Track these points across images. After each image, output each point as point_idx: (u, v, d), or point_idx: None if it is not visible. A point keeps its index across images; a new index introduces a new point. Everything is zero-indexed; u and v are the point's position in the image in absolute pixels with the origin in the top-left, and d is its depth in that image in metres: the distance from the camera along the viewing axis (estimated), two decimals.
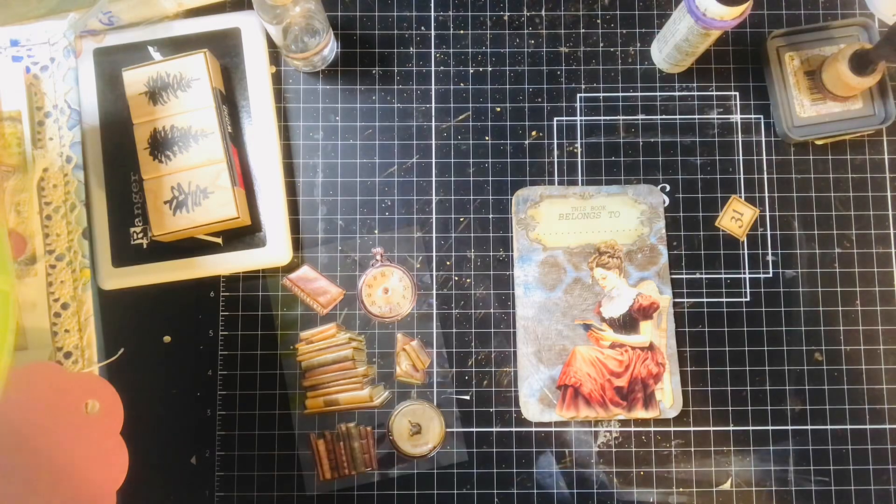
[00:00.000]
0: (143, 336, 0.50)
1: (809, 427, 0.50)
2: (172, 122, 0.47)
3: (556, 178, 0.52)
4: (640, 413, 0.48)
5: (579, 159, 0.52)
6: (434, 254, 0.51)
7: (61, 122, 0.49)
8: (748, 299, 0.51)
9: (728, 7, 0.43)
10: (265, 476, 0.49)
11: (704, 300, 0.51)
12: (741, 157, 0.52)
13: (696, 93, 0.53)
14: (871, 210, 0.52)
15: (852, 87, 0.49)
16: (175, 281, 0.49)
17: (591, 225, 0.51)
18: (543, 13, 0.54)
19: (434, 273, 0.51)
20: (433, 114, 0.52)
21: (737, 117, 0.52)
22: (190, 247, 0.49)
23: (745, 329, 0.50)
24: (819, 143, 0.52)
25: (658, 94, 0.53)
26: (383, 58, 0.53)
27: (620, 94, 0.53)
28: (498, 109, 0.53)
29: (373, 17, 0.53)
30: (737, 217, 0.51)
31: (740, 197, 0.52)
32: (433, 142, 0.52)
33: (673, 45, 0.49)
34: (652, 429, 0.49)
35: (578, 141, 0.52)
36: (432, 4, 0.53)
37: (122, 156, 0.49)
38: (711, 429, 0.49)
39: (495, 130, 0.52)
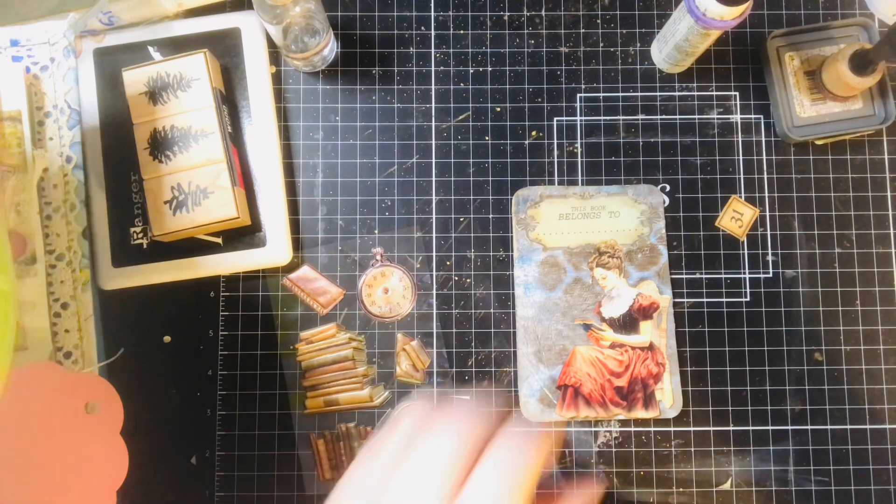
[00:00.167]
0: (143, 336, 0.50)
1: (809, 427, 0.50)
2: (172, 122, 0.47)
3: (556, 178, 0.52)
4: (640, 413, 0.48)
5: (579, 159, 0.52)
6: (434, 254, 0.51)
7: (61, 122, 0.49)
8: (748, 299, 0.51)
9: (728, 7, 0.43)
10: (265, 476, 0.49)
11: (704, 300, 0.51)
12: (741, 157, 0.52)
13: (696, 93, 0.53)
14: (871, 210, 0.52)
15: (852, 87, 0.49)
16: (175, 281, 0.49)
17: (591, 225, 0.51)
18: (543, 13, 0.54)
19: (434, 273, 0.51)
20: (433, 114, 0.52)
21: (737, 117, 0.52)
22: (190, 247, 0.49)
23: (745, 329, 0.50)
24: (819, 143, 0.52)
25: (658, 94, 0.53)
26: (383, 58, 0.53)
27: (620, 94, 0.53)
28: (498, 109, 0.53)
29: (373, 17, 0.53)
30: (737, 217, 0.51)
31: (740, 197, 0.52)
32: (433, 142, 0.52)
33: (673, 45, 0.49)
34: (652, 429, 0.49)
35: (578, 141, 0.52)
36: (432, 4, 0.53)
37: (122, 156, 0.49)
38: (711, 429, 0.50)
39: (495, 130, 0.52)
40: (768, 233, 0.51)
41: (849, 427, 0.49)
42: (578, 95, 0.53)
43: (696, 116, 0.52)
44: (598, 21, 0.53)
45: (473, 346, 0.50)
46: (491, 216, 0.51)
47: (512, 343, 0.50)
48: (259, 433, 0.49)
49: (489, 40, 0.53)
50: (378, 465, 0.30)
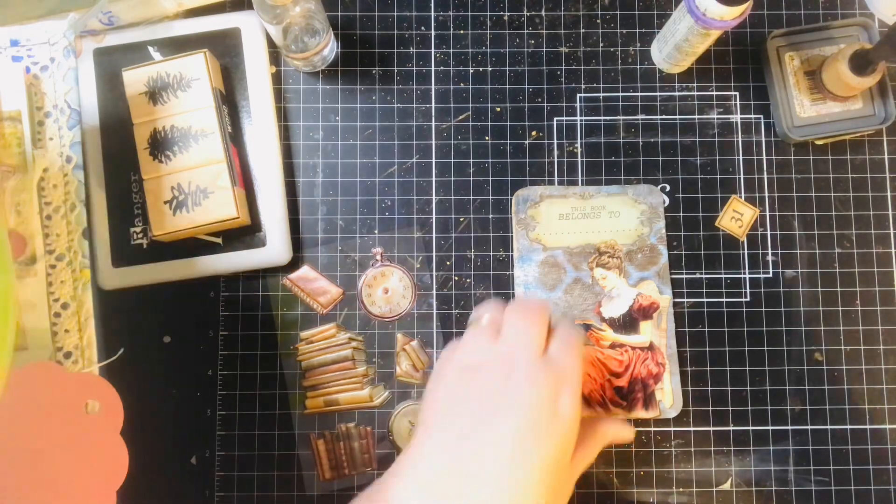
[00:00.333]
0: (143, 336, 0.50)
1: (809, 427, 0.50)
2: (172, 122, 0.47)
3: (556, 178, 0.52)
4: (640, 413, 0.48)
5: (579, 159, 0.52)
6: (434, 254, 0.51)
7: (61, 122, 0.49)
8: (748, 299, 0.51)
9: (728, 7, 0.43)
10: (265, 476, 0.49)
11: (704, 300, 0.51)
12: (741, 157, 0.52)
13: (696, 93, 0.53)
14: (871, 210, 0.52)
15: (852, 87, 0.49)
16: (175, 281, 0.49)
17: (591, 225, 0.51)
18: (543, 13, 0.54)
19: (434, 273, 0.51)
20: (433, 114, 0.52)
21: (737, 117, 0.52)
22: (190, 247, 0.49)
23: (745, 329, 0.50)
24: (819, 143, 0.52)
25: (658, 94, 0.53)
26: (383, 58, 0.53)
27: (620, 94, 0.53)
28: (498, 109, 0.53)
29: (373, 17, 0.53)
30: (737, 217, 0.51)
31: (740, 197, 0.52)
32: (433, 142, 0.52)
33: (673, 45, 0.49)
34: (652, 429, 0.49)
35: (578, 141, 0.52)
36: (432, 4, 0.53)
37: (122, 156, 0.49)
38: (711, 429, 0.50)
39: (495, 130, 0.52)
40: (768, 233, 0.51)
41: (849, 427, 0.49)
42: (578, 95, 0.53)
43: (696, 116, 0.52)
44: (598, 21, 0.53)
45: None
46: (491, 216, 0.51)
47: None
48: (259, 433, 0.49)
49: (489, 40, 0.53)
50: (485, 330, 0.41)
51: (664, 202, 0.52)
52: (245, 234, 0.49)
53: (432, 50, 0.53)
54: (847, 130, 0.51)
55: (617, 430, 0.44)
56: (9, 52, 0.49)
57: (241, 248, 0.49)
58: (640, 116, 0.52)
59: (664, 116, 0.52)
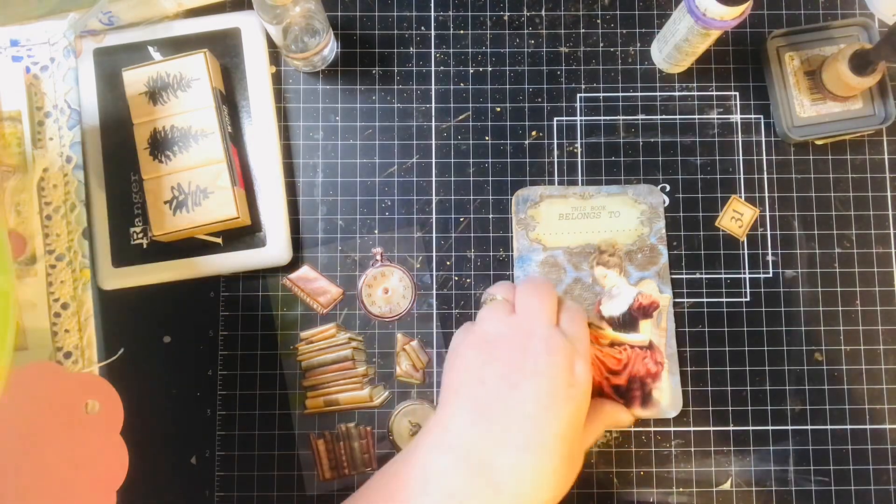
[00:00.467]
0: (143, 336, 0.50)
1: (809, 427, 0.50)
2: (172, 122, 0.47)
3: (556, 178, 0.52)
4: (637, 411, 0.48)
5: (579, 159, 0.52)
6: (434, 254, 0.51)
7: (61, 122, 0.49)
8: (748, 299, 0.51)
9: (728, 7, 0.43)
10: (265, 476, 0.49)
11: (704, 300, 0.51)
12: (741, 157, 0.52)
13: (696, 93, 0.53)
14: (871, 210, 0.52)
15: (852, 87, 0.49)
16: (175, 281, 0.49)
17: (591, 225, 0.51)
18: (543, 13, 0.54)
19: (434, 273, 0.51)
20: (433, 114, 0.52)
21: (737, 117, 0.52)
22: (190, 247, 0.49)
23: (745, 329, 0.50)
24: (819, 143, 0.52)
25: (658, 94, 0.53)
26: (383, 58, 0.53)
27: (620, 94, 0.53)
28: (498, 109, 0.53)
29: (373, 17, 0.53)
30: (737, 217, 0.51)
31: (740, 197, 0.52)
32: (433, 142, 0.52)
33: (673, 45, 0.49)
34: (652, 429, 0.49)
35: (578, 141, 0.52)
36: (432, 4, 0.53)
37: (122, 156, 0.49)
38: (711, 429, 0.50)
39: (495, 130, 0.52)
40: (768, 233, 0.51)
41: (849, 427, 0.49)
42: (578, 95, 0.53)
43: (696, 116, 0.52)
44: (598, 21, 0.53)
45: None
46: (491, 216, 0.51)
47: None
48: (259, 433, 0.49)
49: (489, 40, 0.53)
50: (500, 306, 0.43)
51: (664, 202, 0.52)
52: (245, 234, 0.49)
53: (432, 50, 0.53)
54: (847, 130, 0.51)
55: (618, 413, 0.47)
56: (9, 52, 0.49)
57: (241, 248, 0.49)
58: (640, 116, 0.52)
59: (664, 116, 0.52)
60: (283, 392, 0.50)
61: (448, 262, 0.51)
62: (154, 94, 0.47)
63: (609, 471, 0.49)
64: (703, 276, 0.51)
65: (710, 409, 0.50)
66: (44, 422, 0.41)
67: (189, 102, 0.47)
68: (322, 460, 0.49)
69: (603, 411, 0.45)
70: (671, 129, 0.52)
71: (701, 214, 0.51)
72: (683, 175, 0.52)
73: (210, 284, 0.50)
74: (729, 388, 0.50)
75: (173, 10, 0.51)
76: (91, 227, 0.49)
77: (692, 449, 0.49)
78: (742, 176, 0.52)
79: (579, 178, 0.52)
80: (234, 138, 0.50)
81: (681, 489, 0.49)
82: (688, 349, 0.50)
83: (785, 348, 0.50)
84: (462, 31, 0.53)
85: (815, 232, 0.51)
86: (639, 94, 0.53)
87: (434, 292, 0.51)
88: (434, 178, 0.52)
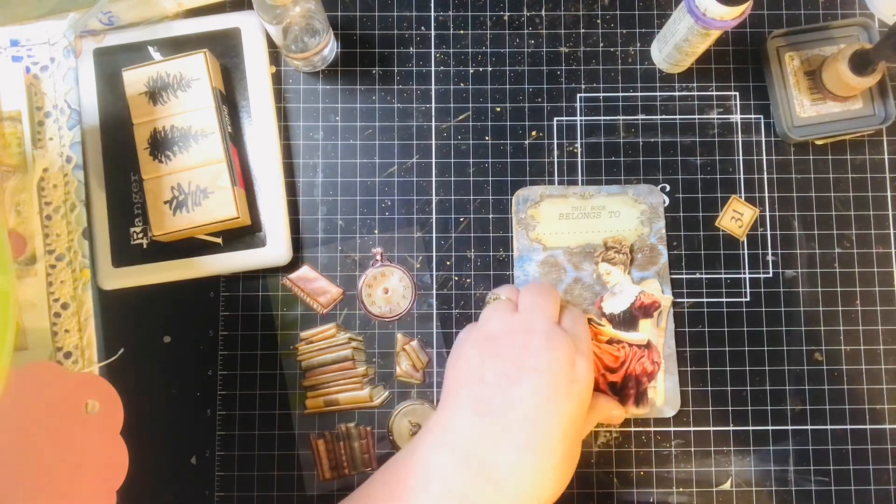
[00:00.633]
0: (143, 336, 0.50)
1: (809, 427, 0.50)
2: (172, 122, 0.47)
3: (556, 178, 0.52)
4: (631, 409, 0.49)
5: (579, 159, 0.52)
6: (434, 254, 0.51)
7: (61, 122, 0.49)
8: (748, 299, 0.51)
9: (728, 7, 0.43)
10: (265, 476, 0.49)
11: (704, 300, 0.51)
12: (741, 157, 0.52)
13: (696, 93, 0.53)
14: (871, 210, 0.52)
15: (852, 87, 0.49)
16: (175, 281, 0.49)
17: (592, 225, 0.51)
18: (543, 13, 0.54)
19: (434, 273, 0.51)
20: (433, 114, 0.52)
21: (737, 117, 0.52)
22: (190, 247, 0.49)
23: (745, 329, 0.50)
24: (819, 143, 0.52)
25: (658, 94, 0.53)
26: (383, 58, 0.53)
27: (620, 94, 0.53)
28: (498, 109, 0.53)
29: (373, 17, 0.53)
30: (737, 217, 0.51)
31: (740, 197, 0.52)
32: (433, 142, 0.52)
33: (673, 45, 0.49)
34: (652, 429, 0.49)
35: (578, 141, 0.52)
36: (432, 4, 0.53)
37: (122, 156, 0.49)
38: (711, 429, 0.50)
39: (495, 130, 0.52)
40: (768, 233, 0.51)
41: (849, 427, 0.49)
42: (578, 95, 0.53)
43: (696, 116, 0.52)
44: (598, 21, 0.53)
45: None
46: (491, 216, 0.51)
47: None
48: (259, 433, 0.49)
49: (489, 40, 0.53)
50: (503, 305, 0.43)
51: (664, 202, 0.52)
52: (245, 234, 0.49)
53: (432, 50, 0.53)
54: (847, 130, 0.51)
55: (612, 408, 0.47)
56: (9, 52, 0.49)
57: (241, 248, 0.49)
58: (640, 116, 0.52)
59: (664, 116, 0.52)
60: (283, 392, 0.50)
61: (448, 262, 0.51)
62: (154, 94, 0.47)
63: (609, 471, 0.49)
64: (703, 276, 0.51)
65: (710, 409, 0.50)
66: (44, 422, 0.41)
67: (189, 102, 0.47)
68: (322, 460, 0.49)
69: (598, 405, 0.46)
70: (671, 129, 0.52)
71: (701, 214, 0.51)
72: (683, 175, 0.52)
73: (210, 284, 0.50)
74: (729, 388, 0.50)
75: (173, 10, 0.51)
76: (91, 227, 0.49)
77: (692, 449, 0.49)
78: (742, 176, 0.52)
79: (579, 178, 0.52)
80: (234, 138, 0.50)
81: (681, 489, 0.49)
82: (688, 349, 0.50)
83: (785, 348, 0.50)
84: (462, 31, 0.53)
85: (815, 232, 0.51)
86: (639, 94, 0.53)
87: (434, 292, 0.51)
88: (434, 178, 0.52)
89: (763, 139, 0.52)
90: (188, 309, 0.50)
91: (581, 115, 0.52)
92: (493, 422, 0.38)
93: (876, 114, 0.51)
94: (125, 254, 0.49)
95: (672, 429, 0.49)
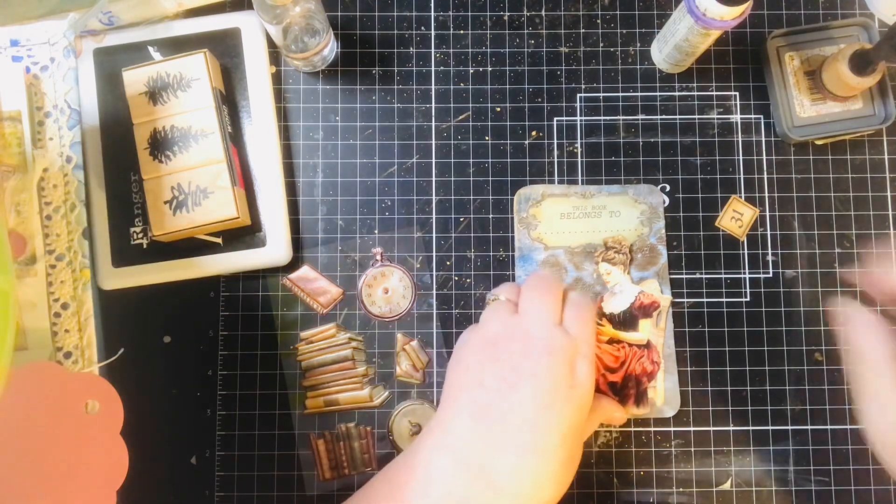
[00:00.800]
0: (143, 336, 0.50)
1: (809, 427, 0.50)
2: (172, 122, 0.47)
3: (556, 178, 0.52)
4: (631, 409, 0.49)
5: (579, 159, 0.52)
6: (434, 254, 0.51)
7: (61, 122, 0.49)
8: (748, 299, 0.51)
9: (728, 7, 0.43)
10: (265, 476, 0.49)
11: (704, 300, 0.51)
12: (741, 157, 0.52)
13: (696, 93, 0.53)
14: (871, 210, 0.52)
15: (852, 87, 0.49)
16: (175, 281, 0.49)
17: (592, 224, 0.51)
18: (543, 13, 0.54)
19: (434, 273, 0.51)
20: (433, 114, 0.52)
21: (737, 117, 0.52)
22: (190, 247, 0.49)
23: (745, 329, 0.50)
24: (819, 143, 0.52)
25: (658, 94, 0.53)
26: (383, 58, 0.53)
27: (620, 94, 0.53)
28: (498, 109, 0.53)
29: (373, 17, 0.53)
30: (737, 217, 0.51)
31: (740, 197, 0.52)
32: (433, 142, 0.52)
33: (673, 45, 0.49)
34: (652, 429, 0.49)
35: (578, 141, 0.52)
36: (432, 4, 0.53)
37: (122, 156, 0.49)
38: (711, 429, 0.50)
39: (495, 130, 0.52)
40: (768, 233, 0.51)
41: (849, 427, 0.49)
42: (578, 95, 0.53)
43: (696, 116, 0.52)
44: (598, 21, 0.53)
45: None
46: (491, 216, 0.51)
47: None
48: (259, 433, 0.49)
49: (489, 40, 0.53)
50: (504, 306, 0.43)
51: (664, 202, 0.52)
52: (245, 234, 0.49)
53: (432, 50, 0.53)
54: (847, 130, 0.51)
55: (613, 409, 0.46)
56: (9, 52, 0.49)
57: (241, 248, 0.49)
58: (640, 116, 0.52)
59: (664, 116, 0.52)
60: (283, 392, 0.50)
61: (448, 262, 0.51)
62: (154, 94, 0.47)
63: (609, 471, 0.49)
64: (703, 276, 0.51)
65: (710, 409, 0.50)
66: (44, 422, 0.41)
67: (189, 102, 0.47)
68: (322, 460, 0.49)
69: (599, 407, 0.45)
70: (671, 129, 0.52)
71: (701, 214, 0.51)
72: (683, 175, 0.52)
73: (210, 284, 0.50)
74: (729, 388, 0.50)
75: (173, 10, 0.51)
76: (91, 227, 0.49)
77: (692, 449, 0.49)
78: (742, 176, 0.52)
79: (579, 178, 0.52)
80: (234, 138, 0.50)
81: (681, 489, 0.49)
82: (688, 349, 0.50)
83: (785, 348, 0.50)
84: (462, 31, 0.53)
85: (815, 232, 0.51)
86: (639, 94, 0.53)
87: (434, 292, 0.51)
88: (434, 178, 0.52)
89: (763, 139, 0.52)
90: (188, 309, 0.50)
91: (581, 115, 0.52)
92: (493, 426, 0.38)
93: (876, 114, 0.51)
94: (125, 254, 0.49)
95: (672, 429, 0.49)
